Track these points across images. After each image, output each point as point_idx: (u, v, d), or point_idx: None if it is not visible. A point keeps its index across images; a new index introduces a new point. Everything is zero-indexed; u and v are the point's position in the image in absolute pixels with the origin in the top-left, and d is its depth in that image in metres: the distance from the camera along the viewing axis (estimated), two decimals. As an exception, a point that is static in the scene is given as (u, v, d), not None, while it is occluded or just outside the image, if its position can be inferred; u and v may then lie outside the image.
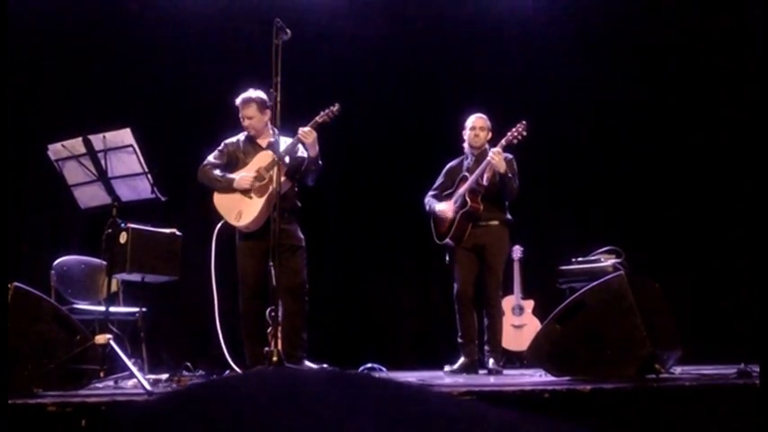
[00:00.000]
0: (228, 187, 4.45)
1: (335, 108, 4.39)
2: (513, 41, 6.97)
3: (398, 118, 6.93)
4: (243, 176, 4.43)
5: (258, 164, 4.46)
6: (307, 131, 4.32)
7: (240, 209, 4.40)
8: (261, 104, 4.53)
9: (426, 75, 7.01)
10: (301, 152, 4.45)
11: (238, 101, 4.58)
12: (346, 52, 6.78)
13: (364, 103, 6.65)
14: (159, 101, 6.44)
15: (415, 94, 6.98)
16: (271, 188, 4.26)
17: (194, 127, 6.37)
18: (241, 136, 4.67)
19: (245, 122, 4.57)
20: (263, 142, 4.60)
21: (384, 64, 6.91)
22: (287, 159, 4.34)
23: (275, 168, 4.12)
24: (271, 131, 4.61)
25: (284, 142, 4.48)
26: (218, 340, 4.29)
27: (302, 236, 4.56)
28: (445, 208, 4.91)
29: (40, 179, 5.69)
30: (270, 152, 4.44)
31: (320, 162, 4.50)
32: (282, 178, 4.20)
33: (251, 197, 4.39)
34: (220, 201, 4.48)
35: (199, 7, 6.63)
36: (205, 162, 4.59)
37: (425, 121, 6.82)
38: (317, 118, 4.38)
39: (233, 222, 4.42)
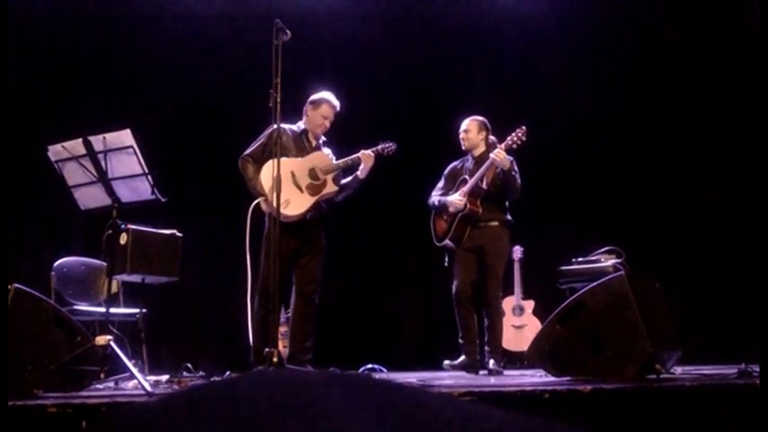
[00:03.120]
0: (254, 193, 4.38)
1: (394, 146, 4.62)
2: (514, 43, 6.97)
3: (399, 119, 6.93)
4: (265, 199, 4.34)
5: (313, 163, 4.45)
6: (369, 154, 4.49)
7: (288, 197, 4.28)
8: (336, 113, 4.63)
9: (428, 76, 7.01)
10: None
11: (338, 104, 4.58)
12: (346, 53, 6.79)
13: (365, 104, 6.65)
14: (159, 102, 6.44)
15: (417, 96, 6.98)
16: (324, 191, 4.40)
17: (194, 128, 6.38)
18: (294, 127, 4.62)
19: (326, 123, 4.56)
20: (314, 142, 4.62)
21: (384, 65, 6.91)
22: (341, 168, 4.53)
23: (332, 173, 4.40)
24: (321, 136, 4.68)
25: (326, 151, 4.63)
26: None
27: (323, 234, 4.61)
28: (457, 197, 4.84)
29: (40, 180, 5.69)
30: (326, 156, 4.53)
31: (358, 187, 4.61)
32: (335, 187, 4.45)
33: (302, 191, 4.36)
34: (270, 181, 4.33)
35: (199, 8, 6.63)
36: (247, 152, 4.49)
37: (426, 122, 6.81)
38: (378, 147, 4.57)
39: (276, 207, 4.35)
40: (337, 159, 4.57)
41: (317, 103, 4.58)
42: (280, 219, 3.89)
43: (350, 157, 4.50)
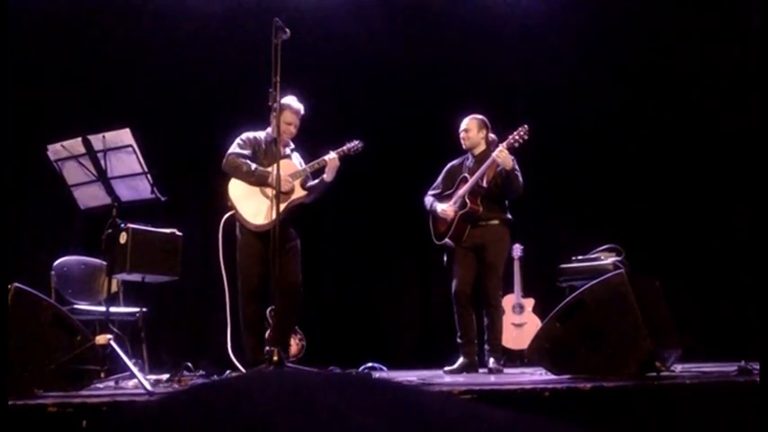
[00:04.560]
0: (261, 181, 4.39)
1: (360, 145, 4.60)
2: (514, 41, 6.97)
3: (398, 118, 6.93)
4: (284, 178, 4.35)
5: (282, 170, 4.42)
6: (334, 157, 4.48)
7: (259, 208, 4.38)
8: (301, 116, 4.60)
9: (427, 74, 7.01)
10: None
11: (300, 108, 4.57)
12: (346, 52, 6.78)
13: (363, 103, 6.65)
14: (159, 101, 6.44)
15: (416, 94, 6.98)
16: (293, 197, 4.42)
17: (194, 127, 6.37)
18: (262, 134, 4.61)
19: (291, 128, 4.56)
20: (282, 149, 4.57)
21: (384, 63, 6.91)
22: (309, 173, 4.53)
23: (299, 179, 4.42)
24: (290, 143, 4.68)
25: (295, 157, 4.64)
26: (225, 336, 4.30)
27: (296, 234, 4.62)
28: (447, 208, 4.89)
29: (39, 179, 5.69)
30: (293, 162, 4.54)
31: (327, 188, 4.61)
32: (303, 192, 4.47)
33: (271, 200, 4.36)
34: (239, 194, 4.42)
35: (199, 7, 6.62)
36: (231, 151, 4.50)
37: (425, 120, 6.82)
38: (343, 148, 4.56)
39: (247, 218, 4.39)
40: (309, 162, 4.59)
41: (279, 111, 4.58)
42: (279, 218, 3.93)
43: (316, 161, 4.52)
